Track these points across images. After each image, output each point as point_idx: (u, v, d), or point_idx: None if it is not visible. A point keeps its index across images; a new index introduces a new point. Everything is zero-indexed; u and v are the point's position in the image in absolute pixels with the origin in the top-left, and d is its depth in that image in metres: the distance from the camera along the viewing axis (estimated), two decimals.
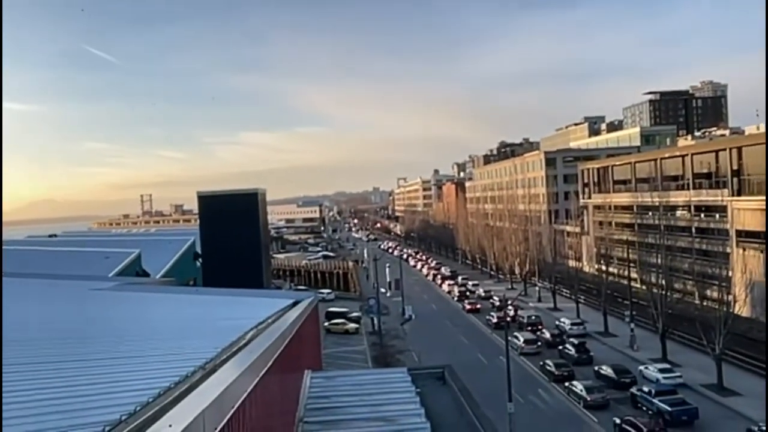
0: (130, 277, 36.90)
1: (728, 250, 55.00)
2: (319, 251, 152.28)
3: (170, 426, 4.24)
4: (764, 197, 51.36)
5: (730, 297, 44.12)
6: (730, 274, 49.21)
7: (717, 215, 58.36)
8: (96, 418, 4.73)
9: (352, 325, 66.44)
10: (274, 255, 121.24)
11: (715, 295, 45.27)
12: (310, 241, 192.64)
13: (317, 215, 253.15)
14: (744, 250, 53.03)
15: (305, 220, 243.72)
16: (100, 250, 47.63)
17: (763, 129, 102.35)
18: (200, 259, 44.57)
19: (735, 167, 56.07)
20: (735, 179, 55.91)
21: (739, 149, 56.73)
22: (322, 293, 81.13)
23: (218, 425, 5.06)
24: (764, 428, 31.49)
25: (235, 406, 5.72)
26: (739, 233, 54.61)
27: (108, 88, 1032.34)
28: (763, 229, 51.10)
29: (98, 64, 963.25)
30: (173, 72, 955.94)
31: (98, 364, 7.50)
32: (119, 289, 24.18)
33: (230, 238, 34.35)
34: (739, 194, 55.31)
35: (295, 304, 17.44)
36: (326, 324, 65.30)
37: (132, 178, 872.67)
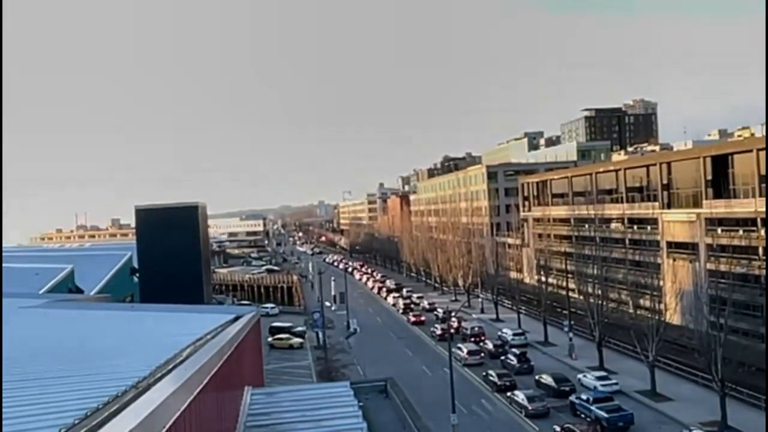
0: (62, 294, 35.40)
1: (659, 260, 57.39)
2: (262, 265, 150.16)
3: None
4: (691, 210, 53.99)
5: (662, 306, 46.05)
6: (661, 283, 51.35)
7: (649, 227, 60.86)
8: None
9: (297, 340, 65.66)
10: (216, 269, 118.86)
11: (647, 304, 47.12)
12: (254, 255, 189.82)
13: (261, 229, 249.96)
14: (674, 260, 55.47)
15: (249, 233, 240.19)
16: (30, 266, 45.48)
17: (690, 145, 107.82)
18: (137, 275, 43.23)
19: (665, 181, 58.71)
20: (665, 193, 58.53)
21: (669, 164, 59.46)
22: (266, 308, 79.96)
23: None
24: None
25: (167, 426, 5.58)
26: (669, 244, 57.11)
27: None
28: (691, 240, 53.65)
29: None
30: (114, 69, 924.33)
31: (25, 385, 7.19)
32: (50, 307, 23.14)
33: (169, 253, 33.50)
34: (668, 207, 57.89)
35: (236, 319, 17.15)
36: (270, 339, 64.34)
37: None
